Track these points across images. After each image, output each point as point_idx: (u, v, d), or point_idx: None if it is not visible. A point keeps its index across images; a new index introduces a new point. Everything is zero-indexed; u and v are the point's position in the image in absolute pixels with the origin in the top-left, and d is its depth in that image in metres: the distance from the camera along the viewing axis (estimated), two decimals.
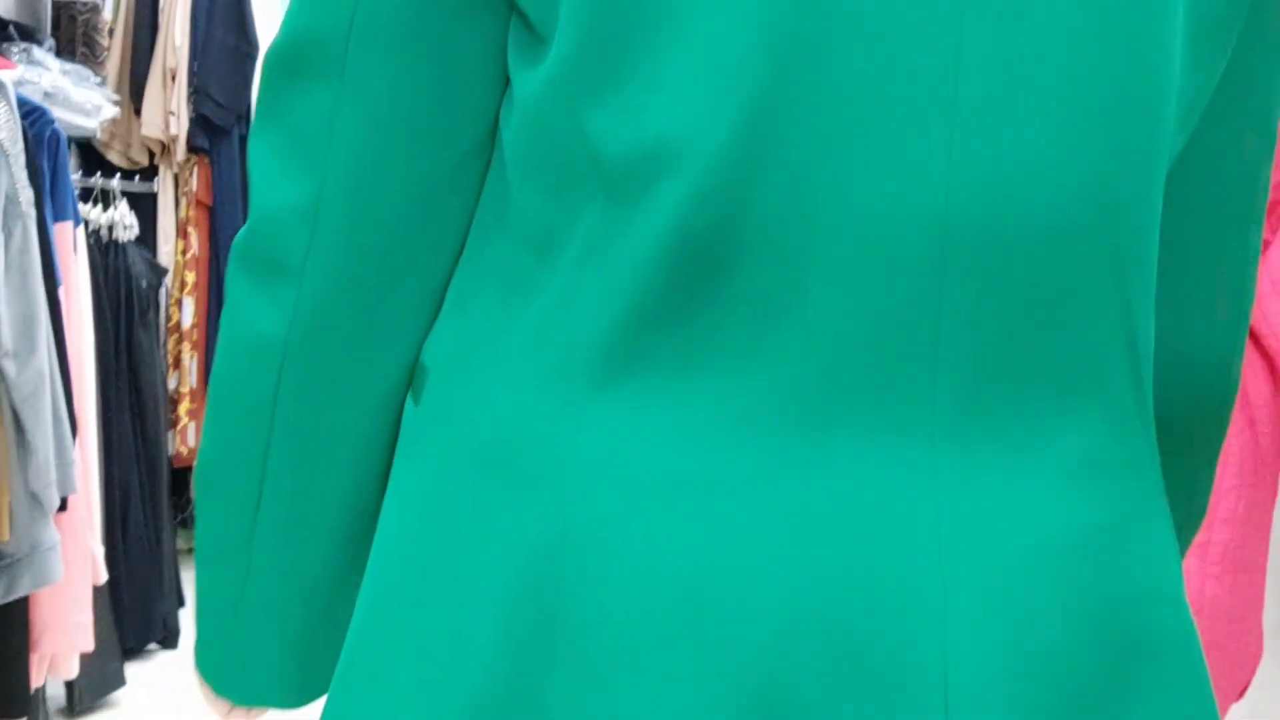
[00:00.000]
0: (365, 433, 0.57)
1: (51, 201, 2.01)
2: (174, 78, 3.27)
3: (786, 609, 0.44)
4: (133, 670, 2.74)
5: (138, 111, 3.26)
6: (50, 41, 2.64)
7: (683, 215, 0.44)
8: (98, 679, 2.51)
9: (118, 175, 3.07)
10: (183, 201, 3.38)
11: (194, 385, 3.36)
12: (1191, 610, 1.67)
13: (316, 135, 0.51)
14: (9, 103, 1.85)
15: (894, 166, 0.44)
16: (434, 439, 0.53)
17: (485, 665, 0.47)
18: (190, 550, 3.82)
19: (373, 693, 0.51)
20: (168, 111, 3.25)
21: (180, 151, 3.30)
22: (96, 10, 2.95)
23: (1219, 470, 1.91)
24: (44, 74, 2.34)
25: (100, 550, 2.20)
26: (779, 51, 0.43)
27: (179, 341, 3.36)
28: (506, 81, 0.51)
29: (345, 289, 0.53)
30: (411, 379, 0.56)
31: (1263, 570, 1.95)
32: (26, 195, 1.83)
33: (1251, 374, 1.92)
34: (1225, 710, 1.99)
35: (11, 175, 1.79)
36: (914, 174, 0.44)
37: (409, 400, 0.56)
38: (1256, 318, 1.92)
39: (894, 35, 0.43)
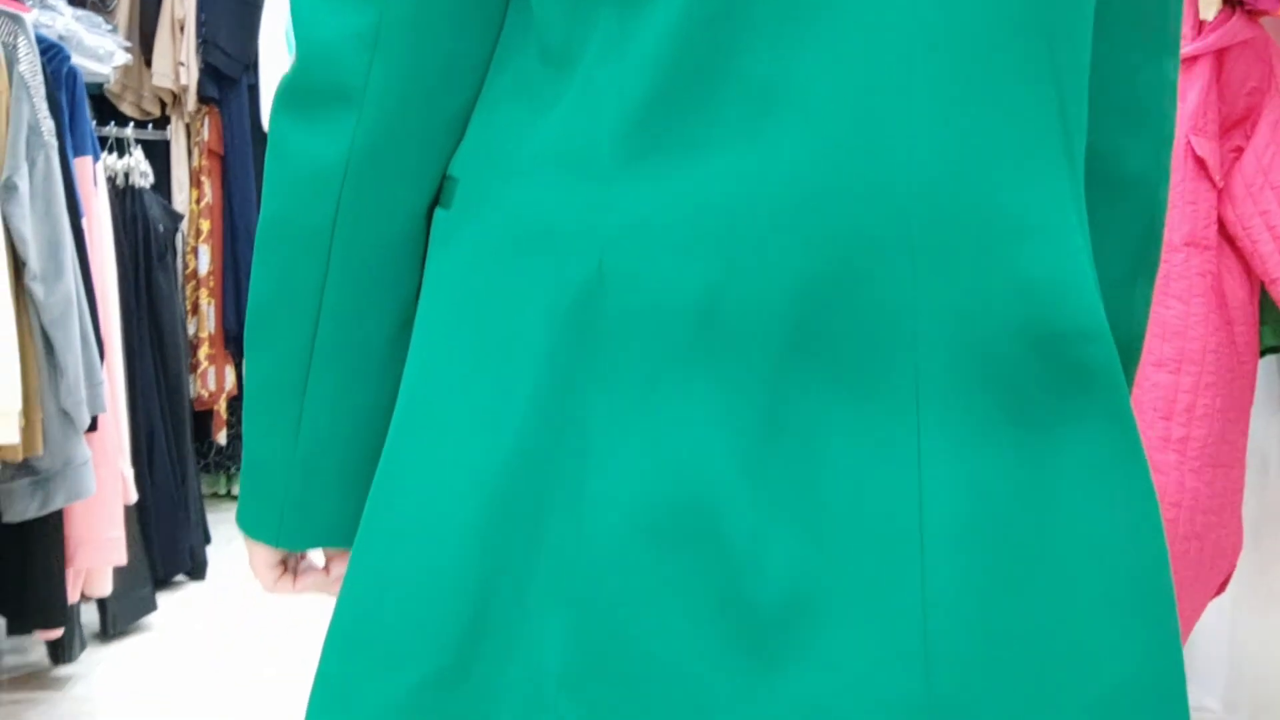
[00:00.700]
0: (410, 249, 0.62)
1: (71, 136, 2.08)
2: (182, 29, 3.33)
3: (784, 330, 0.52)
4: (162, 599, 2.85)
5: (148, 63, 3.33)
6: None
7: (686, 10, 0.51)
8: (130, 604, 2.62)
9: (131, 124, 3.14)
10: (195, 151, 3.46)
11: (212, 331, 3.46)
12: (1171, 503, 1.75)
13: None
14: (29, 38, 1.92)
15: None
16: (470, 231, 0.58)
17: (533, 386, 0.54)
18: (213, 495, 3.92)
19: (423, 425, 0.58)
20: (177, 62, 3.32)
21: (191, 101, 3.37)
22: None
23: (1196, 368, 1.98)
24: (57, 18, 2.40)
25: (129, 472, 2.29)
26: None
27: (196, 288, 3.44)
28: None
29: (403, 109, 0.58)
30: (440, 190, 0.61)
31: (1241, 465, 2.02)
32: (48, 125, 1.91)
33: (1229, 276, 1.98)
34: (1207, 602, 2.06)
35: (33, 106, 1.87)
36: None
37: (439, 209, 0.61)
38: (1232, 221, 1.98)
39: None
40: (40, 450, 1.86)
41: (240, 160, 3.46)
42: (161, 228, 2.97)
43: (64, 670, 2.42)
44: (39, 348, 1.87)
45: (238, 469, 3.88)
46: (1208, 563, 2.01)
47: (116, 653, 2.54)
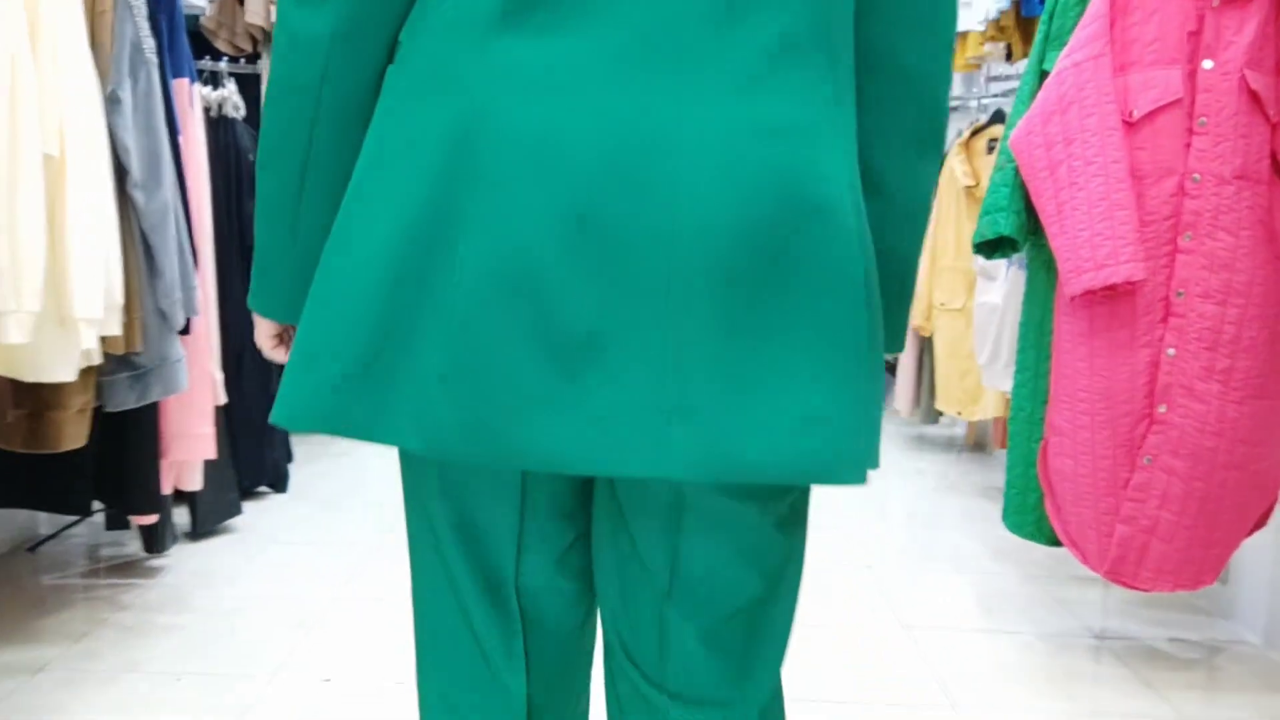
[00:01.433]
0: (372, 98, 0.87)
1: (170, 58, 2.22)
2: None
3: (596, 156, 0.76)
4: (246, 506, 3.03)
5: (241, 1, 3.47)
6: None
7: None
8: (217, 506, 2.80)
9: (225, 59, 3.30)
10: None
11: None
12: (1213, 432, 1.81)
13: None
14: None
15: None
16: (397, 78, 0.85)
17: (429, 184, 0.79)
18: None
19: (358, 208, 0.83)
20: (269, 0, 3.46)
21: None
22: None
23: (1243, 300, 2.00)
24: None
25: (220, 375, 2.45)
26: None
27: None
28: None
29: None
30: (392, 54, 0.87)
31: None
32: (149, 44, 2.04)
33: None
34: (1245, 535, 2.09)
35: (136, 25, 2.00)
36: None
37: (390, 66, 0.87)
38: None
39: None
40: (139, 346, 2.02)
41: None
42: (252, 157, 3.12)
43: (156, 561, 2.61)
44: (139, 251, 2.02)
45: None
46: (1247, 494, 2.04)
47: (204, 549, 2.73)
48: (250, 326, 3.11)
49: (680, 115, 0.76)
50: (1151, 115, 1.97)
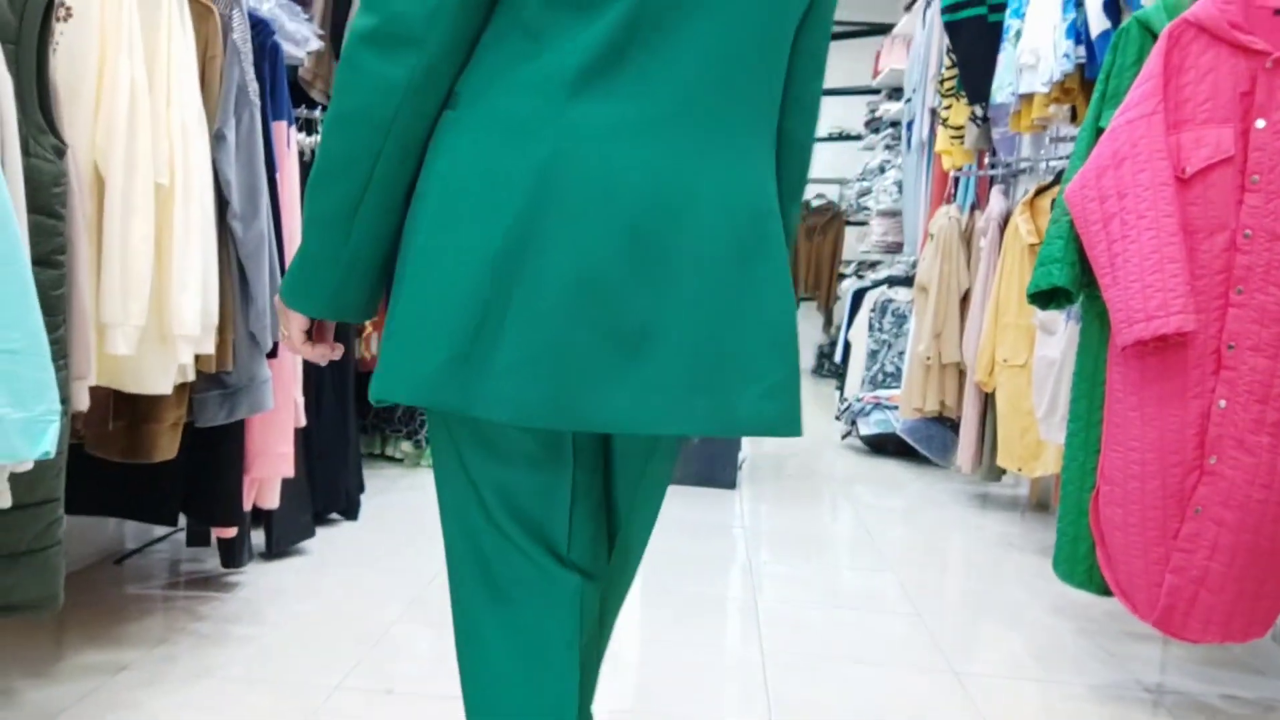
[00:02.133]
0: (427, 136, 1.07)
1: (271, 101, 2.39)
2: None
3: (647, 195, 1.02)
4: (319, 530, 3.16)
5: (337, 53, 3.68)
6: None
7: (611, 29, 1.00)
8: (292, 527, 2.93)
9: (319, 108, 3.50)
10: None
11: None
12: (1263, 484, 1.88)
13: None
14: (242, 12, 2.23)
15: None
16: (470, 120, 1.04)
17: (516, 211, 1.01)
18: (370, 454, 4.24)
19: (452, 228, 1.03)
20: None
21: None
22: None
23: None
24: (263, 2, 2.74)
25: (301, 399, 2.59)
26: None
27: None
28: None
29: (444, 53, 1.02)
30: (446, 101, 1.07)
31: None
32: (254, 87, 2.21)
33: None
34: None
35: (243, 70, 2.17)
36: None
37: (447, 111, 1.06)
38: None
39: None
40: (230, 366, 2.16)
41: None
42: None
43: (233, 576, 2.74)
44: (235, 276, 2.16)
45: (393, 431, 4.21)
46: None
47: (277, 568, 2.85)
48: (330, 368, 3.25)
49: (699, 170, 1.06)
50: (1204, 172, 2.02)
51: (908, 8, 6.31)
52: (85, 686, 2.06)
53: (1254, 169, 2.00)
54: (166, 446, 2.12)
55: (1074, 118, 3.24)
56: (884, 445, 5.14)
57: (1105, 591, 2.23)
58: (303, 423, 2.59)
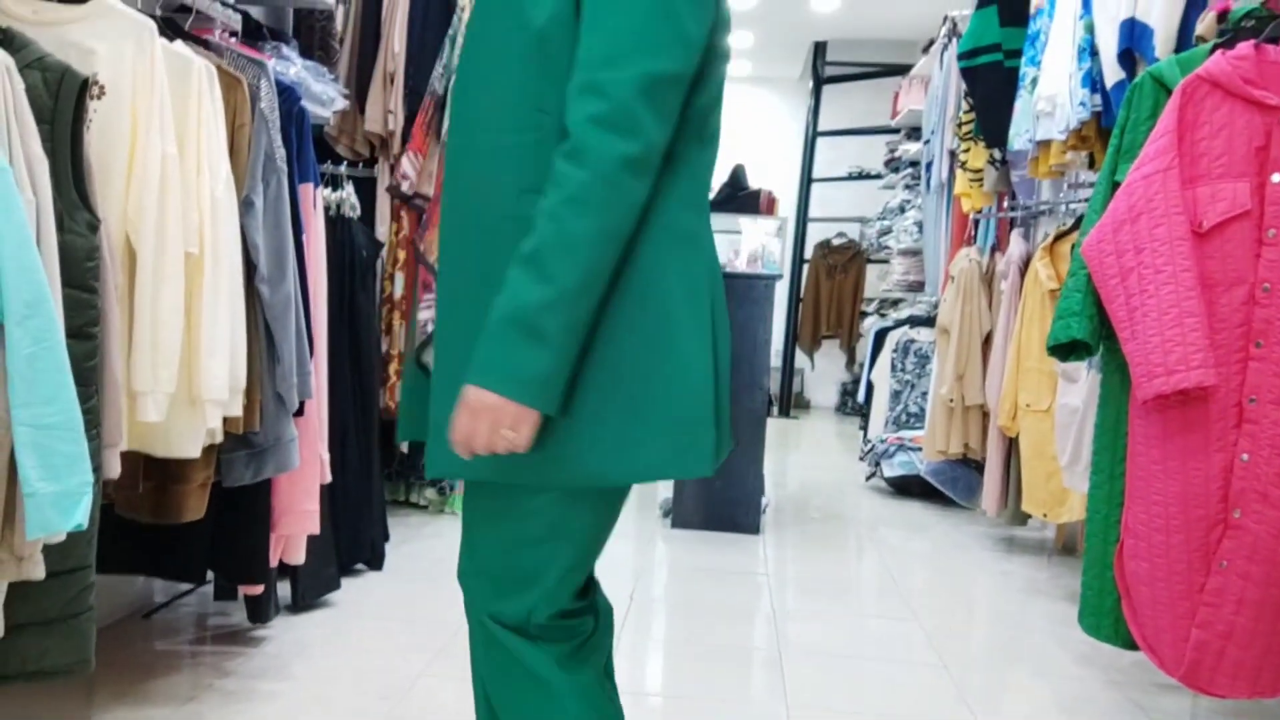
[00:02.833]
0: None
1: (298, 165, 2.44)
2: (393, 80, 3.74)
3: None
4: (344, 582, 3.18)
5: (361, 110, 3.75)
6: (294, 42, 3.13)
7: (717, 149, 1.36)
8: (318, 580, 2.95)
9: (344, 164, 3.56)
10: None
11: (402, 349, 3.82)
12: None
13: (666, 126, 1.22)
14: (269, 80, 2.29)
15: None
16: (659, 233, 1.24)
17: (709, 308, 1.29)
18: (394, 501, 4.25)
19: (682, 327, 1.25)
20: (387, 110, 3.73)
21: (396, 145, 3.77)
22: (331, 19, 3.45)
23: None
24: (290, 67, 2.80)
25: (326, 456, 2.62)
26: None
27: (390, 310, 3.82)
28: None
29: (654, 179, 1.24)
30: None
31: None
32: (281, 153, 2.26)
33: None
34: None
35: (270, 137, 2.22)
36: None
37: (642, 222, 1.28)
38: None
39: None
40: (257, 426, 2.19)
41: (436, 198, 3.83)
42: (365, 254, 3.35)
43: (259, 631, 2.76)
44: (262, 338, 2.20)
45: (417, 478, 4.23)
46: None
47: (303, 621, 2.87)
48: (355, 409, 3.29)
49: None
50: (1221, 226, 2.03)
51: (925, 50, 6.35)
52: None
53: (1271, 223, 2.01)
54: (195, 507, 2.15)
55: (1092, 164, 3.26)
56: (908, 487, 5.12)
57: (1132, 645, 2.22)
58: (328, 479, 2.61)
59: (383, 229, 3.86)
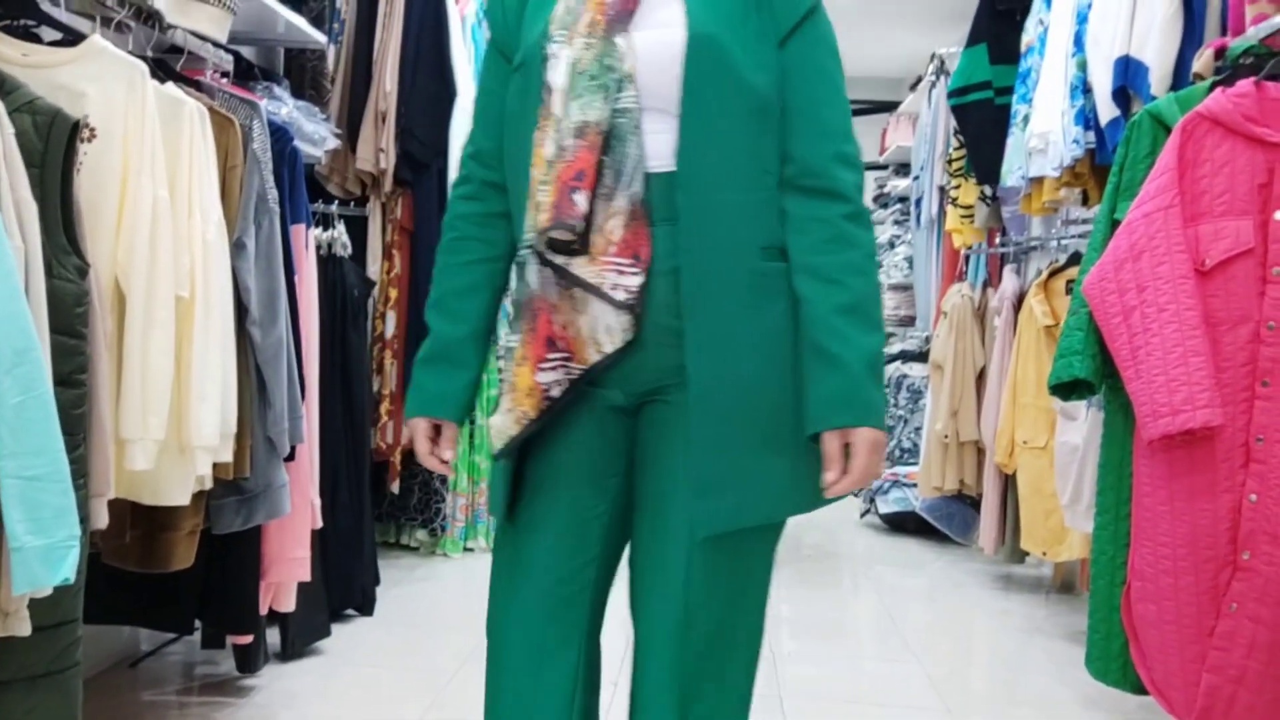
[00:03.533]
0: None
1: (289, 206, 2.42)
2: (384, 119, 3.72)
3: None
4: (335, 629, 3.11)
5: (353, 148, 3.73)
6: (285, 83, 3.12)
7: None
8: (308, 628, 2.89)
9: (336, 202, 3.53)
10: (389, 227, 3.83)
11: (393, 389, 3.78)
12: None
13: None
14: (262, 121, 2.26)
15: None
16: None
17: None
18: (384, 543, 4.19)
19: None
20: (378, 148, 3.71)
21: (388, 183, 3.75)
22: (322, 59, 3.44)
23: None
24: (281, 107, 2.78)
25: (318, 501, 2.57)
26: None
27: (382, 350, 3.79)
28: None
29: None
30: None
31: None
32: (273, 195, 2.23)
33: None
34: None
35: (262, 178, 2.20)
36: None
37: (777, 262, 1.42)
38: None
39: None
40: (248, 472, 2.15)
41: (428, 237, 3.80)
42: (356, 293, 3.31)
43: (248, 681, 2.70)
44: (253, 382, 2.16)
45: (408, 519, 4.18)
46: None
47: (293, 670, 2.81)
48: (346, 451, 3.24)
49: None
50: (1224, 264, 2.02)
51: (912, 87, 6.39)
52: None
53: (1275, 260, 1.99)
54: (183, 555, 2.10)
55: (1085, 201, 3.26)
56: (904, 523, 5.09)
57: (1140, 690, 2.18)
58: (320, 524, 2.57)
59: (374, 267, 3.83)
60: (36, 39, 1.90)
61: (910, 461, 5.27)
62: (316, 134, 3.00)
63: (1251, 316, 2.01)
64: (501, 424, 1.36)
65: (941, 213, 5.24)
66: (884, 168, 7.29)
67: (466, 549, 4.21)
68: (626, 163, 1.29)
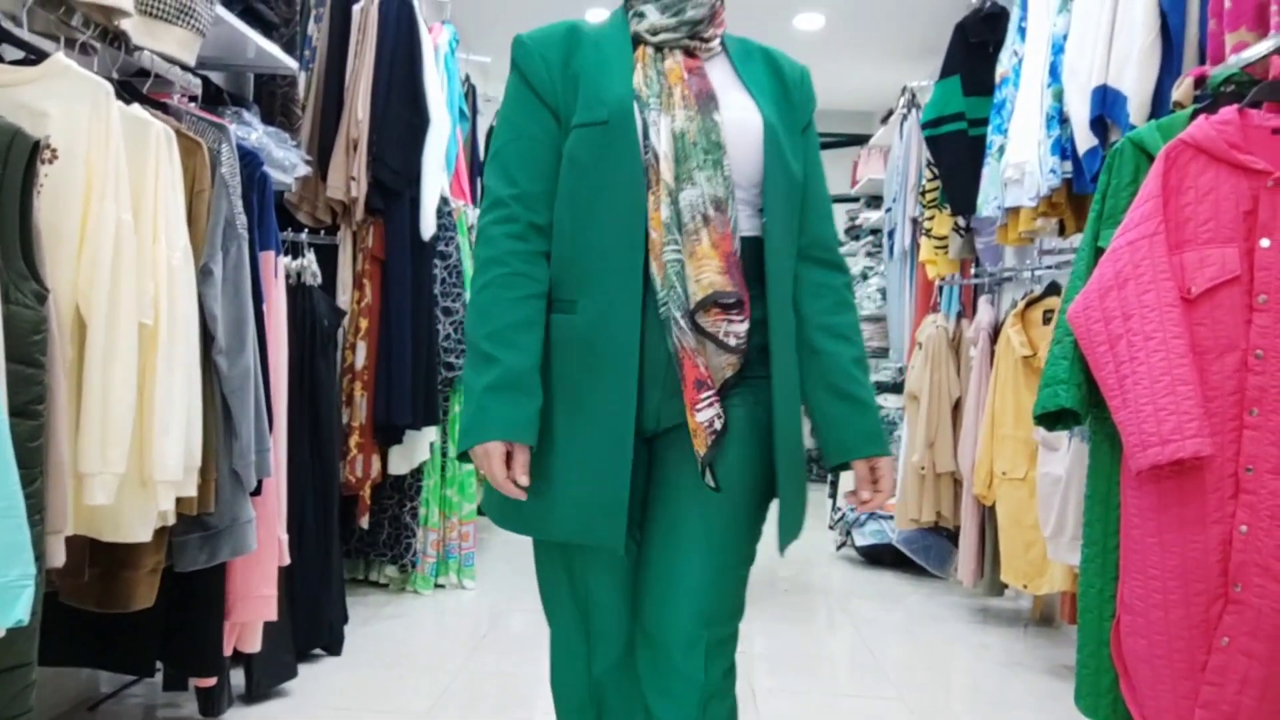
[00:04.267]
0: None
1: (258, 232, 2.35)
2: (356, 147, 3.67)
3: None
4: (301, 669, 3.02)
5: (324, 176, 3.67)
6: (255, 108, 3.06)
7: None
8: (273, 669, 2.79)
9: (305, 231, 3.47)
10: (359, 256, 3.77)
11: (363, 421, 3.70)
12: None
13: None
14: (230, 145, 2.20)
15: None
16: None
17: None
18: (353, 579, 4.10)
19: None
20: (349, 176, 3.66)
21: (359, 212, 3.69)
22: (293, 84, 3.38)
23: None
24: (251, 133, 2.72)
25: (285, 537, 2.49)
26: None
27: (352, 381, 3.71)
28: None
29: None
30: None
31: None
32: (241, 220, 2.17)
33: None
34: None
35: (230, 203, 2.13)
36: None
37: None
38: None
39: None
40: (212, 507, 2.07)
41: (399, 266, 3.74)
42: (326, 323, 3.24)
43: None
44: (218, 413, 2.09)
45: (377, 555, 4.08)
46: None
47: (258, 712, 2.71)
48: (314, 484, 3.16)
49: None
50: (1210, 292, 1.99)
51: (884, 120, 6.42)
52: None
53: (1261, 288, 1.97)
54: (144, 594, 2.01)
55: (1062, 231, 3.25)
56: (880, 556, 5.04)
57: None
58: (287, 561, 2.48)
59: (344, 297, 3.76)
60: None
61: None
62: (286, 160, 2.94)
63: (1238, 345, 1.98)
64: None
65: (914, 244, 5.24)
66: (855, 200, 7.32)
67: (438, 585, 4.12)
68: (737, 229, 1.53)
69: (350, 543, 4.03)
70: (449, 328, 4.02)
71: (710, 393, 1.51)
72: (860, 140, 7.24)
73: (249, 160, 2.33)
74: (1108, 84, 2.70)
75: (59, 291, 1.69)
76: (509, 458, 1.50)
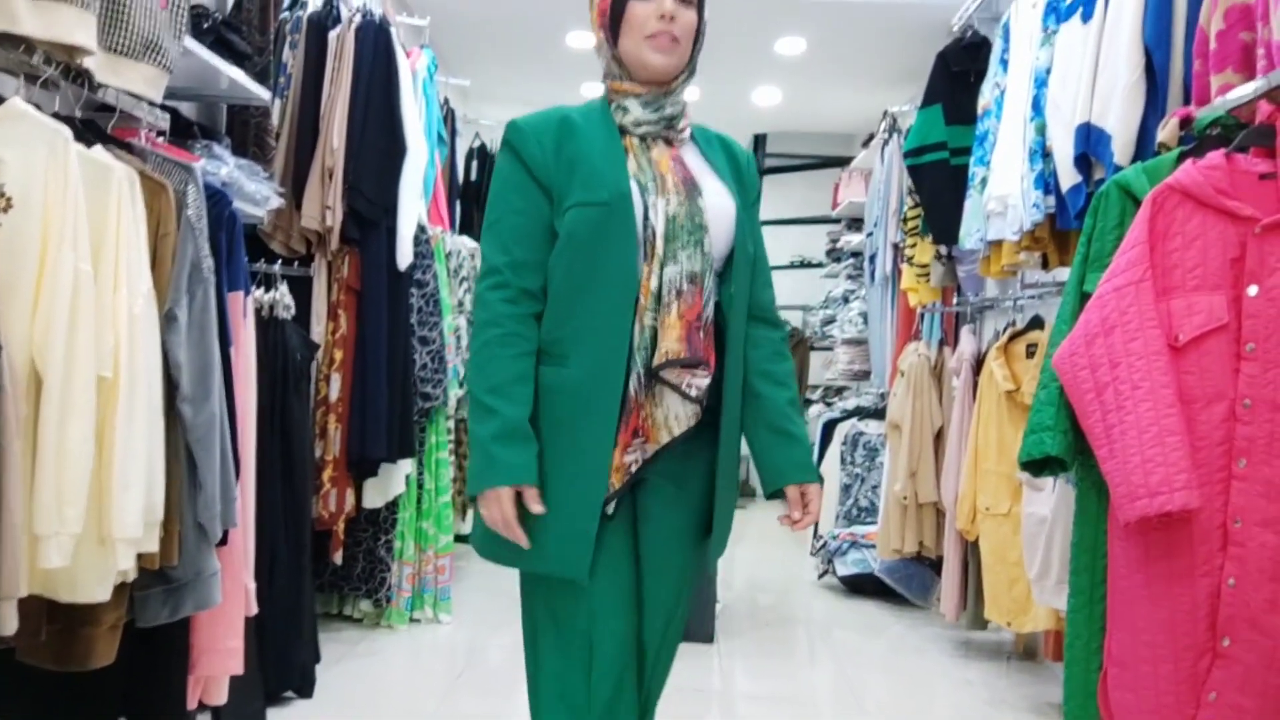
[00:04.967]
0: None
1: (227, 272, 2.29)
2: (331, 176, 3.61)
3: None
4: (271, 714, 2.94)
5: (298, 206, 3.60)
6: (226, 140, 3.00)
7: None
8: (241, 716, 2.72)
9: (279, 261, 3.41)
10: (334, 286, 3.70)
11: (336, 455, 3.63)
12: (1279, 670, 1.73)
13: None
14: (197, 186, 2.14)
15: None
16: None
17: None
18: (326, 614, 4.01)
19: None
20: (325, 206, 3.59)
21: (334, 241, 3.62)
22: (266, 115, 3.32)
23: None
24: (222, 167, 2.67)
25: (253, 585, 2.42)
26: None
27: (326, 413, 3.64)
28: None
29: None
30: None
31: None
32: (208, 263, 2.11)
33: None
34: None
35: (197, 246, 2.07)
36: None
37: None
38: None
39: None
40: (175, 560, 2.00)
41: (375, 296, 3.68)
42: (299, 356, 3.18)
43: None
44: (182, 464, 2.02)
45: (351, 589, 4.01)
46: None
47: None
48: (285, 521, 3.09)
49: None
50: (1197, 340, 1.96)
51: (865, 144, 6.40)
52: None
53: (1249, 337, 1.94)
54: (104, 652, 1.94)
55: (1045, 264, 3.22)
56: (862, 586, 4.99)
57: None
58: (254, 611, 2.41)
59: (319, 328, 3.70)
60: None
61: (868, 520, 5.20)
62: (259, 193, 2.88)
63: (1226, 394, 1.95)
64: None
65: (895, 270, 5.22)
66: (836, 221, 7.30)
67: (413, 620, 4.04)
68: (710, 298, 1.77)
69: (323, 577, 3.95)
70: (426, 357, 3.96)
71: (640, 440, 1.73)
72: (842, 162, 7.23)
73: (217, 199, 2.27)
74: (1091, 121, 2.68)
75: (13, 346, 1.63)
76: (518, 498, 1.70)
